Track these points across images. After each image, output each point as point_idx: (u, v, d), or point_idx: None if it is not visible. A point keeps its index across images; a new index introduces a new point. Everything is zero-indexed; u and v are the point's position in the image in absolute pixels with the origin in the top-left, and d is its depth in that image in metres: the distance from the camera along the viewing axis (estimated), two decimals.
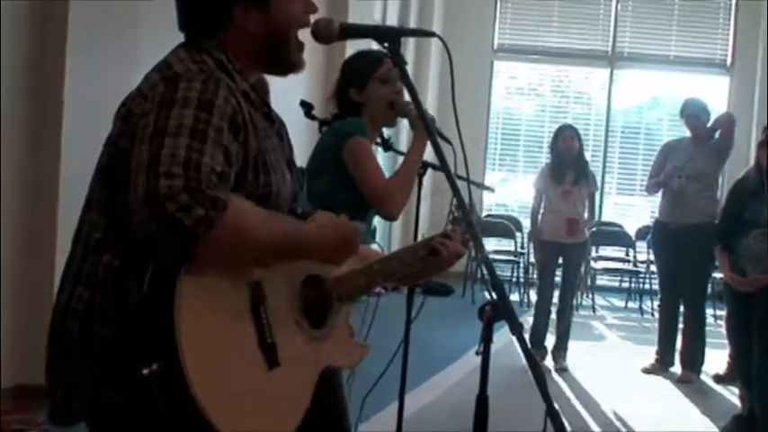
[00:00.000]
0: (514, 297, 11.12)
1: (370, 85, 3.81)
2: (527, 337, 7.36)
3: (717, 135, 7.74)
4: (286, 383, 2.12)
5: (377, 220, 9.03)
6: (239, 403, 2.00)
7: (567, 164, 7.90)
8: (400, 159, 4.00)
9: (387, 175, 3.82)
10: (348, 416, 2.82)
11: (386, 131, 4.07)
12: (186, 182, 1.87)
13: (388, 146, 4.07)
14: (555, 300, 8.02)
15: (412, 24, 11.72)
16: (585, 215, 7.96)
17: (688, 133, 7.79)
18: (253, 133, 2.13)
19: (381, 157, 4.13)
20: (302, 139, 3.85)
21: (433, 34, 2.47)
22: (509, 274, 11.43)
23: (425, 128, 2.45)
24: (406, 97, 3.85)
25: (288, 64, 2.33)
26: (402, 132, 11.02)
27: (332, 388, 2.53)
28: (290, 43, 2.30)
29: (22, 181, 4.97)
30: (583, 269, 11.41)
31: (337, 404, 2.67)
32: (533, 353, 7.15)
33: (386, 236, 11.28)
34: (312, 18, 2.34)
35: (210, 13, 2.24)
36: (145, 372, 1.89)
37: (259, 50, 2.27)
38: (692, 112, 7.73)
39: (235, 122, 2.06)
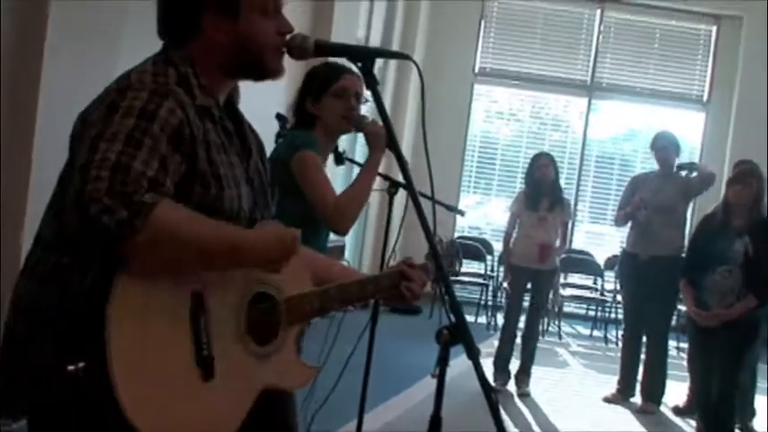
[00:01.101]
0: (482, 320, 11.14)
1: (325, 97, 3.85)
2: (490, 360, 7.44)
3: (692, 175, 7.81)
4: (220, 397, 2.10)
5: (349, 236, 9.02)
6: (166, 410, 1.98)
7: (543, 191, 7.94)
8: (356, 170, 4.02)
9: (341, 188, 3.84)
10: None
11: (341, 145, 4.08)
12: (111, 184, 1.89)
13: (340, 159, 4.07)
14: (521, 324, 8.05)
15: (396, 44, 11.76)
16: (558, 243, 8.00)
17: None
18: (203, 147, 2.14)
19: (333, 169, 4.13)
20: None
21: (407, 57, 2.49)
22: (478, 296, 11.45)
23: (391, 142, 2.45)
24: (364, 112, 3.89)
25: (260, 72, 2.33)
26: (357, 144, 11.04)
27: (281, 408, 2.51)
28: (263, 55, 2.29)
29: None
30: (551, 295, 11.48)
31: (286, 426, 2.62)
32: (494, 377, 7.16)
33: (357, 252, 11.29)
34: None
35: (180, 20, 2.26)
36: (71, 368, 1.89)
37: (228, 62, 2.27)
38: (662, 146, 7.82)
39: (179, 133, 2.06)
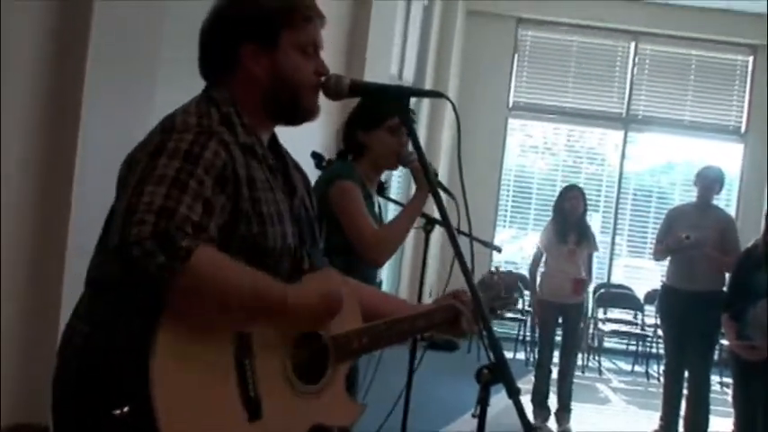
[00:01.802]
0: (520, 356, 11.06)
1: (379, 131, 3.85)
2: (528, 398, 7.36)
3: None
4: None
5: (385, 272, 8.96)
6: None
7: (571, 224, 7.90)
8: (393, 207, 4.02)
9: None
10: None
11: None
12: (154, 228, 1.89)
13: (382, 190, 4.06)
14: (556, 360, 7.98)
15: (428, 80, 11.78)
16: (584, 276, 7.96)
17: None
18: (246, 185, 2.14)
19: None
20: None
21: (440, 95, 2.48)
22: (515, 332, 11.36)
23: (428, 180, 2.45)
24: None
25: (299, 112, 2.33)
26: (393, 180, 11.05)
27: None
28: (299, 93, 2.29)
29: (32, 217, 4.97)
30: (591, 331, 11.38)
31: None
32: (534, 414, 7.07)
33: (393, 288, 11.26)
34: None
35: (219, 52, 2.27)
36: (117, 412, 1.90)
37: (267, 99, 2.28)
38: (706, 179, 7.70)
39: (223, 175, 2.07)
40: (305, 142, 4.18)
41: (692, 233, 7.43)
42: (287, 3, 2.28)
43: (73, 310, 2.18)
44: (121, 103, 5.12)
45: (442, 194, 2.93)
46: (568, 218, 7.90)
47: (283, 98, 2.29)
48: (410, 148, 3.90)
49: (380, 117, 3.87)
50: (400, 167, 4.03)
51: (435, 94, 2.51)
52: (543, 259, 8.04)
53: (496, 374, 2.17)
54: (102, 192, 2.27)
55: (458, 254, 2.25)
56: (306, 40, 2.29)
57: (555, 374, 7.97)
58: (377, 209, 3.93)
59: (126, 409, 1.90)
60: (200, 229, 1.96)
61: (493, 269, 2.95)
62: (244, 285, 2.02)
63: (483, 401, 2.21)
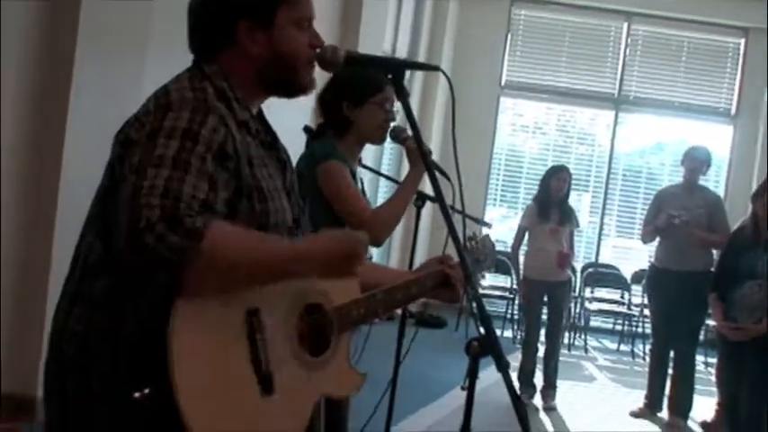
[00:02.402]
0: (508, 333, 11.09)
1: (366, 105, 3.78)
2: (515, 375, 7.39)
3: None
4: (281, 411, 2.12)
5: (374, 251, 8.98)
6: (232, 428, 2.00)
7: (554, 203, 7.95)
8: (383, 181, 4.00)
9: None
10: None
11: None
12: (162, 212, 1.88)
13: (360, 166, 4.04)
14: (543, 338, 8.02)
15: (421, 57, 11.77)
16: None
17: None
18: (246, 162, 2.14)
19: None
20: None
21: (436, 68, 2.49)
22: (503, 310, 11.40)
23: (423, 160, 2.46)
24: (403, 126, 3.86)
25: (295, 86, 2.33)
26: (384, 154, 11.06)
27: (337, 417, 2.52)
28: (296, 67, 2.29)
29: (21, 197, 4.98)
30: (577, 309, 11.42)
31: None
32: (519, 391, 7.12)
33: (383, 263, 11.28)
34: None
35: (214, 29, 2.26)
36: (136, 395, 1.90)
37: (262, 74, 2.27)
38: (693, 160, 7.74)
39: (223, 151, 2.06)
40: (296, 116, 4.19)
41: (680, 214, 7.46)
42: None
43: (61, 292, 2.16)
44: (111, 78, 5.12)
45: (435, 147, 2.94)
46: (552, 197, 7.95)
47: (281, 74, 2.28)
48: (400, 124, 3.88)
49: (368, 91, 3.78)
50: (391, 142, 4.00)
51: (432, 68, 2.52)
52: (525, 239, 8.08)
53: (486, 347, 2.19)
54: (90, 172, 2.26)
55: (451, 230, 2.27)
56: (301, 15, 2.29)
57: (541, 352, 8.00)
58: (359, 184, 3.89)
59: (147, 390, 1.90)
60: (207, 207, 1.96)
61: (470, 234, 2.99)
62: (258, 251, 2.03)
63: (472, 374, 2.23)
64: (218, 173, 2.03)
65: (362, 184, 3.92)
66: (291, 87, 2.33)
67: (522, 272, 8.15)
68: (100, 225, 2.12)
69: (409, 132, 3.83)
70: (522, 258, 8.22)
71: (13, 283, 4.99)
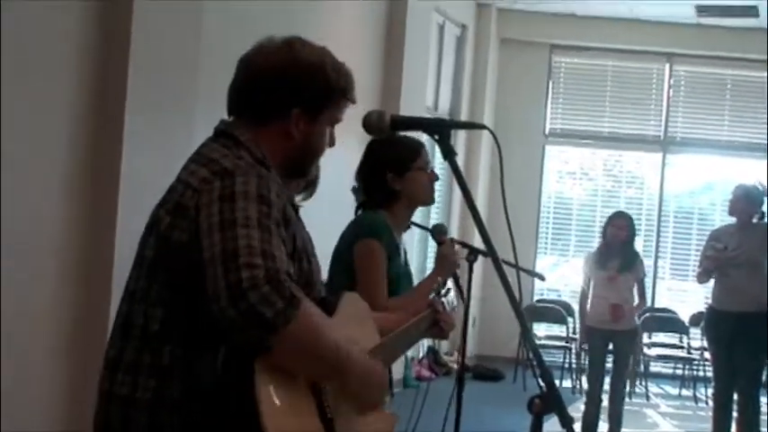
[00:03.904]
0: (566, 383, 10.96)
1: (410, 173, 3.80)
2: (578, 426, 7.26)
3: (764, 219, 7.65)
4: None
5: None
6: None
7: (614, 250, 7.83)
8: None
9: None
10: None
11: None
12: (267, 273, 1.92)
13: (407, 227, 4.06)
14: (606, 387, 7.90)
15: (464, 110, 11.80)
16: (637, 301, 7.86)
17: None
18: (294, 225, 2.20)
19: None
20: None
21: (482, 126, 2.50)
22: (561, 359, 11.29)
23: (473, 214, 2.46)
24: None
25: (300, 174, 2.52)
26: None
27: None
28: (314, 159, 2.44)
29: (77, 247, 5.00)
30: (637, 356, 11.26)
31: None
32: None
33: None
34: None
35: (271, 104, 2.31)
36: None
37: (289, 156, 2.35)
38: (738, 200, 7.66)
39: (285, 216, 2.13)
40: (344, 178, 4.20)
41: (735, 253, 7.37)
42: (344, 83, 2.38)
43: (110, 361, 2.18)
44: (161, 138, 5.17)
45: (481, 196, 2.96)
46: (612, 244, 7.83)
47: (300, 161, 2.40)
48: (440, 222, 3.99)
49: (409, 158, 3.82)
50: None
51: (477, 126, 2.54)
52: (590, 285, 7.96)
53: (549, 404, 2.15)
54: (145, 210, 2.29)
55: (504, 283, 2.24)
56: (338, 118, 2.42)
57: (604, 402, 7.88)
58: (402, 255, 3.91)
59: None
60: (290, 272, 2.03)
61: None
62: (332, 343, 2.10)
63: None
64: (285, 238, 2.09)
65: (406, 254, 3.94)
66: (298, 173, 2.48)
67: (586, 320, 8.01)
68: (154, 293, 2.14)
69: (447, 236, 3.98)
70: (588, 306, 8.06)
71: (70, 335, 5.01)
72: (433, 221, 10.58)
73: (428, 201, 3.95)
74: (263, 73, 2.32)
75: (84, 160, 4.98)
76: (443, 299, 3.29)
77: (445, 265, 3.83)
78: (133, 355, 2.13)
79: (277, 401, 2.00)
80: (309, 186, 3.79)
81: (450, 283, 3.40)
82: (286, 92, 2.30)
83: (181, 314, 2.06)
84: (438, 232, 3.95)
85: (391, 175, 3.79)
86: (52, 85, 4.76)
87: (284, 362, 2.02)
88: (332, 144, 2.44)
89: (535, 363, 2.20)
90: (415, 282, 3.96)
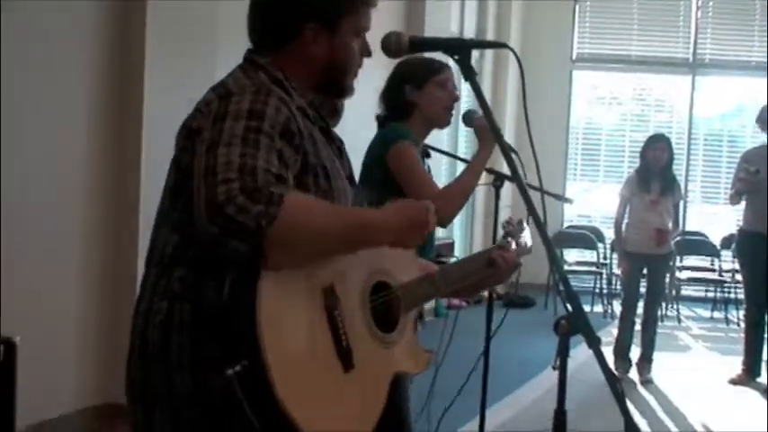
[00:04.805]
0: (598, 308, 10.98)
1: (428, 86, 3.80)
2: (610, 349, 7.29)
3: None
4: (362, 386, 2.16)
5: (457, 231, 8.98)
6: (319, 404, 2.02)
7: (655, 174, 7.73)
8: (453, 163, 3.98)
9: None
10: (410, 425, 2.85)
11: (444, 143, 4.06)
12: (242, 184, 1.90)
13: (426, 154, 4.01)
14: (639, 311, 7.88)
15: (489, 37, 11.68)
16: (671, 226, 7.80)
17: None
18: (310, 142, 2.17)
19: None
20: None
21: (503, 45, 2.45)
22: (592, 285, 11.29)
23: (495, 135, 2.43)
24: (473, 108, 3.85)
25: (338, 91, 2.40)
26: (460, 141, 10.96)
27: (398, 396, 2.55)
28: (346, 74, 2.35)
29: (103, 195, 5.03)
30: (668, 279, 11.25)
31: (401, 413, 2.71)
32: (615, 366, 7.02)
33: (467, 247, 11.24)
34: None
35: (280, 26, 2.29)
36: (229, 372, 1.90)
37: (315, 75, 2.31)
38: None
39: (288, 129, 2.08)
40: (367, 106, 4.17)
41: (757, 168, 7.30)
42: None
43: (140, 291, 2.19)
44: (182, 87, 5.17)
45: (509, 124, 2.92)
46: (651, 168, 7.73)
47: (331, 78, 2.33)
48: (472, 108, 3.88)
49: (428, 72, 3.81)
50: (465, 128, 3.99)
51: (498, 45, 2.50)
52: (627, 210, 7.89)
53: (575, 325, 2.14)
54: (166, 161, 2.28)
55: (530, 208, 2.22)
56: (362, 25, 2.34)
57: (637, 325, 7.88)
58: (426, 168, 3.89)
59: (238, 367, 1.90)
60: (281, 179, 1.98)
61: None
62: (334, 217, 2.06)
63: (563, 353, 2.19)
64: (286, 149, 2.05)
65: (429, 169, 3.90)
66: (335, 90, 2.39)
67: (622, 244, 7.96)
68: (174, 218, 2.15)
69: (479, 113, 3.81)
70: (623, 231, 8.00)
71: (100, 291, 5.06)
72: (460, 149, 10.58)
73: (443, 120, 3.87)
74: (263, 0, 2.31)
75: (107, 109, 4.99)
76: (517, 238, 3.06)
77: (488, 135, 3.76)
78: (152, 278, 2.16)
79: (282, 332, 1.96)
80: (333, 115, 3.77)
81: (523, 222, 3.15)
82: (295, 8, 2.27)
83: (191, 238, 2.04)
84: (470, 116, 3.90)
85: (409, 87, 3.80)
86: (71, 47, 4.76)
87: (288, 261, 1.97)
88: (367, 54, 2.38)
89: (561, 285, 2.19)
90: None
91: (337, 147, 2.38)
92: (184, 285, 2.07)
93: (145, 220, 4.98)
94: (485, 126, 3.76)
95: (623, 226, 7.89)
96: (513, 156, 2.40)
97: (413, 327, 2.46)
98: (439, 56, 2.84)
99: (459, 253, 10.41)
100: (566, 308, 2.17)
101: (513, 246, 3.01)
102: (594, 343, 2.10)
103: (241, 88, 2.14)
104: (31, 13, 4.49)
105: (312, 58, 2.28)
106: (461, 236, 11.31)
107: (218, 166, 1.93)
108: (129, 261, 4.99)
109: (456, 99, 3.85)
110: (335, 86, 2.37)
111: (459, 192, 3.76)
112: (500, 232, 4.24)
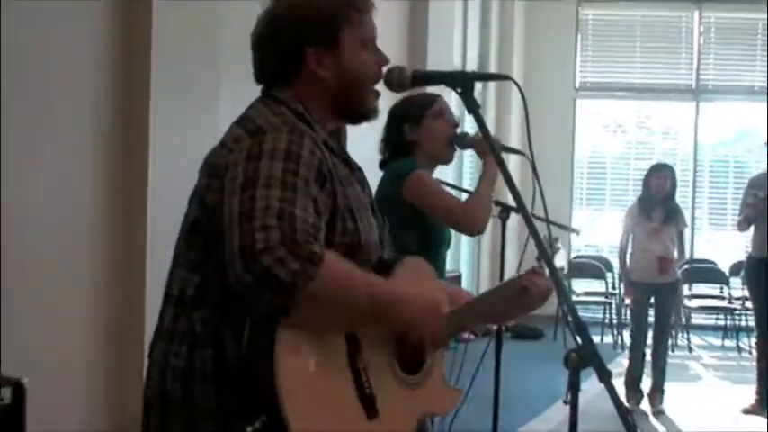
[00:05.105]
0: (608, 339, 10.92)
1: (425, 121, 3.82)
2: (621, 380, 7.22)
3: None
4: None
5: (464, 264, 8.96)
6: None
7: (657, 202, 7.72)
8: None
9: None
10: None
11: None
12: (282, 234, 1.85)
13: None
14: (649, 341, 7.83)
15: (492, 67, 11.68)
16: (675, 254, 7.76)
17: None
18: (338, 182, 2.13)
19: None
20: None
21: (506, 77, 2.44)
22: (601, 315, 11.23)
23: (501, 168, 2.42)
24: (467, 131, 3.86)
25: (361, 112, 2.32)
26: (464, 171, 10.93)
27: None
28: (364, 91, 2.29)
29: (110, 232, 5.01)
30: (678, 308, 11.17)
31: None
32: (626, 397, 6.94)
33: (473, 280, 11.20)
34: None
35: (282, 57, 2.25)
36: (248, 429, 1.87)
37: (332, 99, 2.26)
38: None
39: (321, 173, 2.05)
40: (371, 138, 4.15)
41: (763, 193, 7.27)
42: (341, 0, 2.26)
43: (156, 329, 2.16)
44: (188, 113, 5.15)
45: (516, 176, 2.91)
46: (654, 196, 7.72)
47: (350, 95, 2.27)
48: (462, 130, 3.90)
49: (422, 107, 3.84)
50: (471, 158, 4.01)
51: (500, 77, 2.50)
52: (630, 239, 7.86)
53: (585, 358, 2.11)
54: (176, 207, 2.25)
55: (536, 238, 2.20)
56: (365, 35, 2.28)
57: (647, 355, 7.82)
58: None
59: (258, 424, 1.87)
60: (317, 230, 1.95)
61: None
62: (364, 290, 2.03)
63: (574, 387, 2.15)
64: (320, 195, 2.02)
65: None
66: (358, 110, 2.32)
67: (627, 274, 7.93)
68: (193, 258, 2.12)
69: (471, 133, 3.85)
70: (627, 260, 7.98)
71: (108, 333, 5.02)
72: (466, 181, 10.56)
73: (445, 153, 3.90)
74: (260, 35, 2.28)
75: (112, 145, 4.97)
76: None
77: (485, 148, 3.76)
78: (169, 322, 2.12)
79: (302, 383, 1.93)
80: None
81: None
82: (288, 38, 2.23)
83: (213, 280, 2.02)
84: (461, 137, 3.89)
85: (407, 126, 3.83)
86: (75, 80, 4.74)
87: (310, 324, 1.95)
88: (384, 62, 2.32)
89: (570, 317, 2.16)
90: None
91: (358, 177, 2.33)
92: (206, 328, 2.04)
93: (153, 261, 4.95)
94: (480, 141, 3.78)
95: (627, 255, 7.86)
96: (523, 156, 2.38)
97: (441, 365, 2.41)
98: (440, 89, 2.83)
99: (465, 286, 10.36)
100: (575, 340, 2.13)
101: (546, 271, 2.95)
102: (606, 376, 2.07)
103: (273, 126, 2.09)
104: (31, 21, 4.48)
105: (323, 81, 2.24)
106: (468, 269, 11.26)
107: (256, 211, 1.89)
108: (138, 303, 4.94)
109: (455, 126, 3.87)
110: (356, 108, 2.30)
111: (481, 202, 3.78)
112: (507, 264, 4.24)
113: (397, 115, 3.85)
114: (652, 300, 7.76)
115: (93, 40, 4.81)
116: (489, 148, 3.64)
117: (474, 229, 3.86)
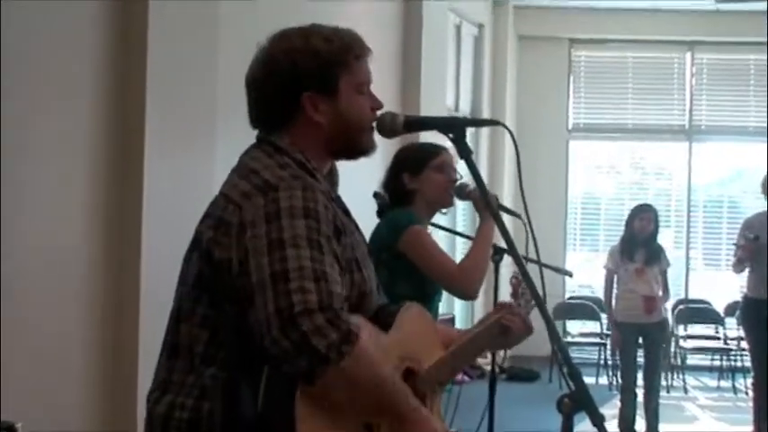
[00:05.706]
0: (602, 380, 10.87)
1: (425, 171, 3.86)
2: (615, 422, 7.17)
3: None
4: None
5: (457, 307, 8.94)
6: None
7: (639, 243, 7.76)
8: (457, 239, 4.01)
9: None
10: None
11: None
12: (320, 299, 1.86)
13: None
14: (641, 382, 7.81)
15: (485, 110, 11.73)
16: (660, 293, 7.78)
17: None
18: (345, 233, 2.13)
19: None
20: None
21: (497, 123, 2.45)
22: (596, 356, 11.19)
23: (488, 207, 2.44)
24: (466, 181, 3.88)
25: (359, 151, 2.33)
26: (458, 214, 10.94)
27: None
28: (361, 131, 2.29)
29: (104, 275, 4.99)
30: (672, 349, 11.14)
31: None
32: None
33: (467, 323, 11.17)
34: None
35: (278, 102, 2.24)
36: None
37: (327, 142, 2.26)
38: None
39: (336, 227, 2.06)
40: (364, 183, 4.16)
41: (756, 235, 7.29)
42: (340, 45, 2.26)
43: (155, 381, 2.15)
44: (183, 153, 5.15)
45: (509, 217, 2.92)
46: (636, 237, 7.76)
47: (347, 140, 2.28)
48: (464, 180, 3.90)
49: (425, 158, 3.88)
50: (464, 204, 4.03)
51: (491, 123, 2.50)
52: (615, 281, 7.90)
53: (578, 403, 2.11)
54: (171, 257, 2.24)
55: (527, 281, 2.22)
56: (361, 81, 2.29)
57: (640, 397, 7.79)
58: None
59: None
60: (343, 292, 1.96)
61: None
62: (388, 387, 2.04)
63: None
64: (338, 249, 2.04)
65: None
66: (355, 151, 2.32)
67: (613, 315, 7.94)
68: (200, 313, 2.10)
69: (471, 185, 3.84)
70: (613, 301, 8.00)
71: (102, 381, 4.99)
72: (459, 224, 10.57)
73: (443, 203, 3.96)
74: (255, 80, 2.27)
75: (107, 171, 4.96)
76: (521, 300, 2.99)
77: (480, 204, 3.79)
78: (178, 376, 2.10)
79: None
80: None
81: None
82: (286, 84, 2.22)
83: (224, 336, 2.01)
84: (462, 189, 3.91)
85: (407, 174, 3.86)
86: (71, 97, 4.75)
87: (331, 396, 1.95)
88: (378, 106, 2.32)
89: (562, 360, 2.16)
90: None
91: (354, 223, 2.33)
92: (216, 382, 2.02)
93: (146, 305, 4.93)
94: (476, 197, 3.82)
95: (613, 296, 7.88)
96: (518, 226, 2.39)
97: (439, 408, 2.43)
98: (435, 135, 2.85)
99: (459, 327, 10.33)
100: (568, 385, 2.13)
101: (522, 303, 2.95)
102: (599, 420, 2.07)
103: (282, 181, 2.08)
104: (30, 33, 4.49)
105: (319, 126, 2.24)
106: (462, 310, 11.23)
107: (290, 272, 1.89)
108: (131, 355, 4.92)
109: (455, 181, 3.89)
110: (353, 147, 2.31)
111: (477, 263, 3.80)
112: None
113: (398, 163, 3.91)
114: (640, 340, 7.76)
115: (89, 62, 4.84)
116: (485, 205, 3.70)
117: (467, 294, 3.89)
